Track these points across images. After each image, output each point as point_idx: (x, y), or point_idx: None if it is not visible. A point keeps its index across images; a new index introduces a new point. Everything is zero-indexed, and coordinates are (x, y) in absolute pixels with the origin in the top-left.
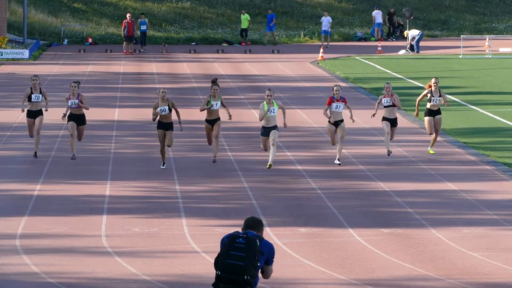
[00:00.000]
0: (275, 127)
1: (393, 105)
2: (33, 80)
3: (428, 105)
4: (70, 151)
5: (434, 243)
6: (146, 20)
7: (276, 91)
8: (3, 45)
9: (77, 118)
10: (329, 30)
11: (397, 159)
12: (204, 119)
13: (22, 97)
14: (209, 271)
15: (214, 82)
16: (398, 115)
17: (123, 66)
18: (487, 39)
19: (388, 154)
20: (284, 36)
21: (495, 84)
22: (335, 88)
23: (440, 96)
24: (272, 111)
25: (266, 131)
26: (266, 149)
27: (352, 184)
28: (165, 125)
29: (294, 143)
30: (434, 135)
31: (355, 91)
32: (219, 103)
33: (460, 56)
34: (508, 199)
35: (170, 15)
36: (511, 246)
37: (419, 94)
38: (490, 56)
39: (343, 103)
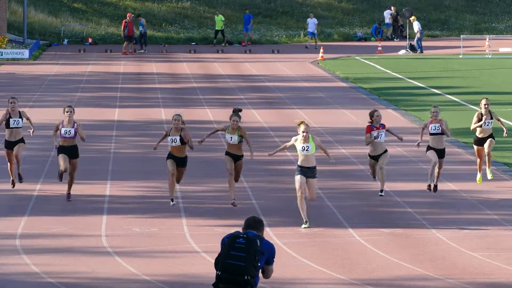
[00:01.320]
0: (313, 170)
1: (442, 133)
2: (11, 102)
3: (478, 131)
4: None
5: (434, 243)
6: (143, 20)
7: (276, 91)
8: (3, 45)
9: (69, 150)
10: (316, 31)
11: (397, 159)
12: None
13: None
14: (209, 271)
15: (236, 112)
16: (398, 115)
17: (123, 66)
18: (487, 39)
19: (430, 190)
20: (284, 36)
21: (495, 84)
22: (375, 114)
23: (491, 118)
24: (306, 148)
25: (302, 171)
26: (301, 196)
27: (352, 184)
28: (177, 160)
29: None
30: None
31: (355, 91)
32: (236, 137)
33: (460, 56)
34: (508, 199)
35: (170, 15)
36: (511, 246)
37: (419, 94)
38: (490, 56)
39: (384, 130)
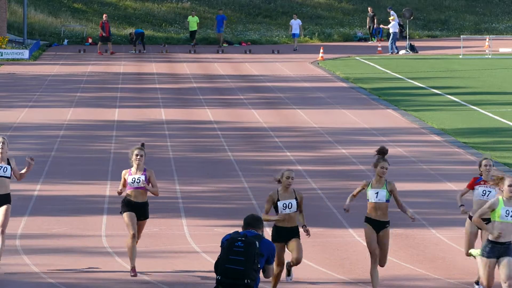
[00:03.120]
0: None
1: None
2: None
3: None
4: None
5: (434, 243)
6: None
7: (276, 91)
8: (3, 45)
9: (139, 208)
10: (298, 33)
11: (397, 159)
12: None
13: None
14: (209, 271)
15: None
16: (398, 115)
17: (123, 66)
18: (487, 39)
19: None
20: (284, 36)
21: (495, 84)
22: (484, 162)
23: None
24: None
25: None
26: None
27: (352, 184)
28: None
29: (294, 143)
30: None
31: (355, 91)
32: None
33: (460, 56)
34: None
35: (170, 15)
36: None
37: (419, 94)
38: (490, 56)
39: (495, 188)
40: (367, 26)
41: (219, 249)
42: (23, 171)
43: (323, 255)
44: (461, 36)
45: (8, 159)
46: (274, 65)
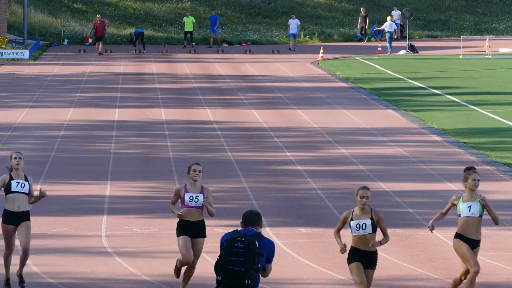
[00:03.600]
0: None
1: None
2: (15, 158)
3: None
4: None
5: (434, 243)
6: None
7: (276, 91)
8: (3, 46)
9: (196, 227)
10: (297, 33)
11: (397, 159)
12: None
13: None
14: (209, 271)
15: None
16: (398, 115)
17: (123, 66)
18: (487, 39)
19: None
20: (284, 36)
21: (495, 84)
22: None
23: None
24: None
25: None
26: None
27: (352, 184)
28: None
29: (294, 143)
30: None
31: (355, 91)
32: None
33: (460, 56)
34: (508, 199)
35: (170, 15)
36: (511, 246)
37: (419, 94)
38: (490, 56)
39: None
40: (359, 26)
41: (219, 249)
42: (33, 199)
43: (323, 255)
44: (461, 36)
45: (25, 175)
46: (274, 65)
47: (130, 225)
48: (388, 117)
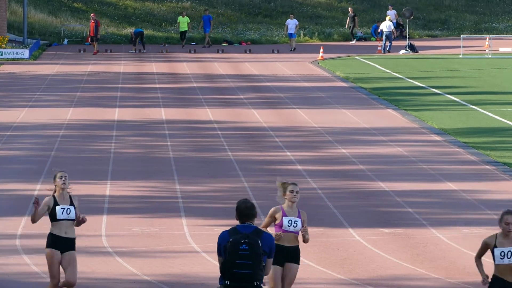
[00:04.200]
0: None
1: None
2: (60, 178)
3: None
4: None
5: (434, 243)
6: None
7: (276, 91)
8: (3, 45)
9: (292, 253)
10: (295, 33)
11: (397, 159)
12: None
13: (32, 206)
14: (209, 271)
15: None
16: (398, 115)
17: (123, 66)
18: (487, 39)
19: None
20: (284, 36)
21: (495, 84)
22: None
23: None
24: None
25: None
26: None
27: (352, 184)
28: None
29: (294, 142)
30: None
31: (355, 91)
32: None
33: (460, 56)
34: (508, 199)
35: (170, 15)
36: None
37: (419, 94)
38: (490, 56)
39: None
40: (347, 26)
41: (216, 248)
42: (75, 223)
43: (323, 255)
44: (461, 36)
45: (70, 197)
46: (274, 65)
47: (130, 224)
48: (388, 117)
